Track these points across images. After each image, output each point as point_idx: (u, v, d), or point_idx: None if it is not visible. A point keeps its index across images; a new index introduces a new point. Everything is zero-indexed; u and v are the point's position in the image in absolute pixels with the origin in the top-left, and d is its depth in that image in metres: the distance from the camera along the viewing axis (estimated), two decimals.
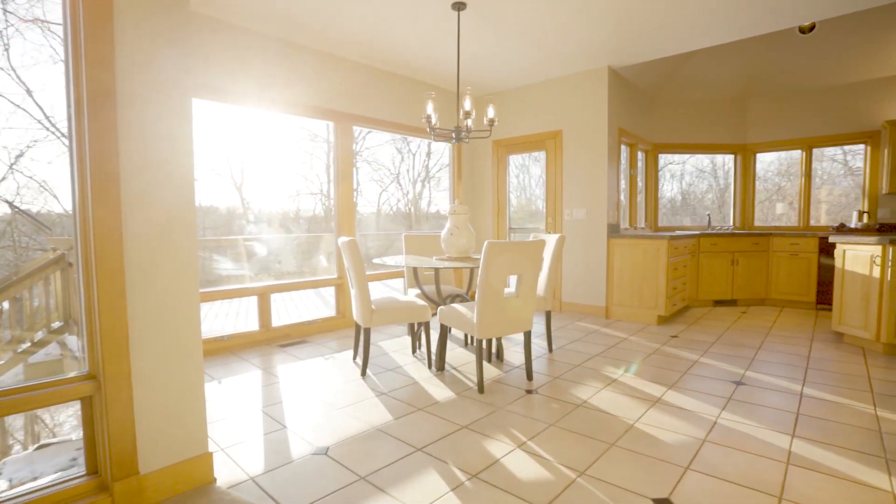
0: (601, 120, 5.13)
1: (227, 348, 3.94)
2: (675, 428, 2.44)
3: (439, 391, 2.97)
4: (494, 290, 2.86)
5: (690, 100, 6.51)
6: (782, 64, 5.86)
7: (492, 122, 3.53)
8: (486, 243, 2.76)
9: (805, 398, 2.83)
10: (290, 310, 5.91)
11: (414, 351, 3.82)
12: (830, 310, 5.56)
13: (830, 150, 6.19)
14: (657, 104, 6.48)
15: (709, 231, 6.11)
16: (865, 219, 5.76)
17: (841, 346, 3.99)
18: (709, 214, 6.53)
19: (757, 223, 6.66)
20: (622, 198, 5.83)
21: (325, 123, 4.80)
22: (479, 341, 2.92)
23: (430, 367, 3.42)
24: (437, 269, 3.50)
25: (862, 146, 5.92)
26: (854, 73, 5.68)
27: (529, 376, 3.16)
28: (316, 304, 6.37)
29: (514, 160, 6.31)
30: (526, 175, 6.36)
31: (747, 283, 5.88)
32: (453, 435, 2.37)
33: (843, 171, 6.20)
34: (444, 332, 3.32)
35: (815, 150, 6.22)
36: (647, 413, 2.62)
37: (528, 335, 3.14)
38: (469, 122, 3.58)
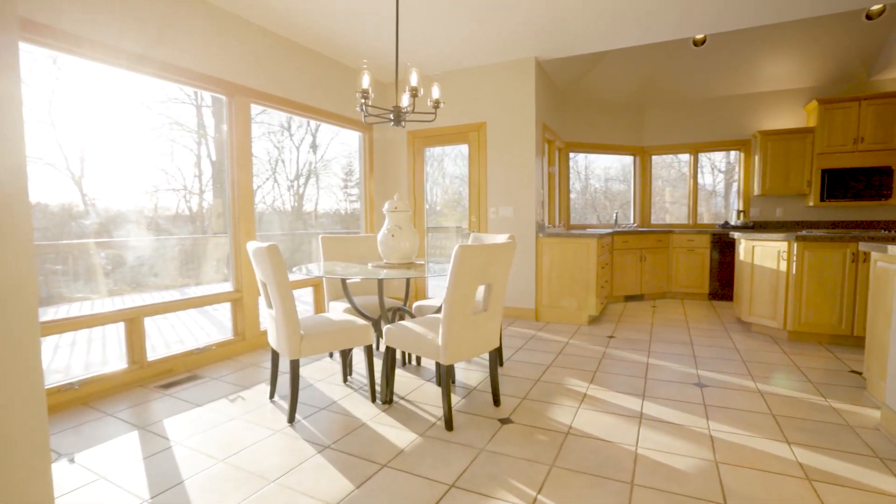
0: (529, 113, 4.90)
1: (80, 399, 2.83)
2: (679, 450, 2.18)
3: (398, 434, 2.37)
4: (465, 305, 2.35)
5: (597, 101, 6.67)
6: (676, 74, 6.25)
7: (437, 104, 3.01)
8: (457, 249, 2.24)
9: (766, 396, 2.82)
10: (168, 336, 4.68)
11: (346, 378, 3.14)
12: (722, 300, 6.06)
13: (713, 155, 6.80)
14: (569, 103, 6.52)
15: (618, 229, 6.29)
16: (742, 217, 6.40)
17: (753, 335, 4.24)
18: (616, 213, 6.76)
19: (649, 221, 7.09)
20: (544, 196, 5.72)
21: (215, 99, 3.83)
22: (444, 368, 2.39)
23: (373, 399, 2.78)
24: (380, 281, 2.87)
25: (737, 152, 6.58)
26: (733, 87, 6.27)
27: (497, 401, 2.71)
28: (204, 326, 5.17)
29: (433, 153, 5.84)
30: (445, 169, 5.93)
31: (653, 277, 6.17)
32: (444, 502, 1.81)
33: (686, 175, 6.86)
34: (392, 356, 2.72)
35: (695, 155, 6.79)
36: (642, 434, 2.34)
37: (493, 354, 2.69)
38: (404, 101, 3.02)
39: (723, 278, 6.02)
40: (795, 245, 3.98)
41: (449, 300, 2.30)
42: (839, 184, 5.61)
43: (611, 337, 4.27)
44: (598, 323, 4.84)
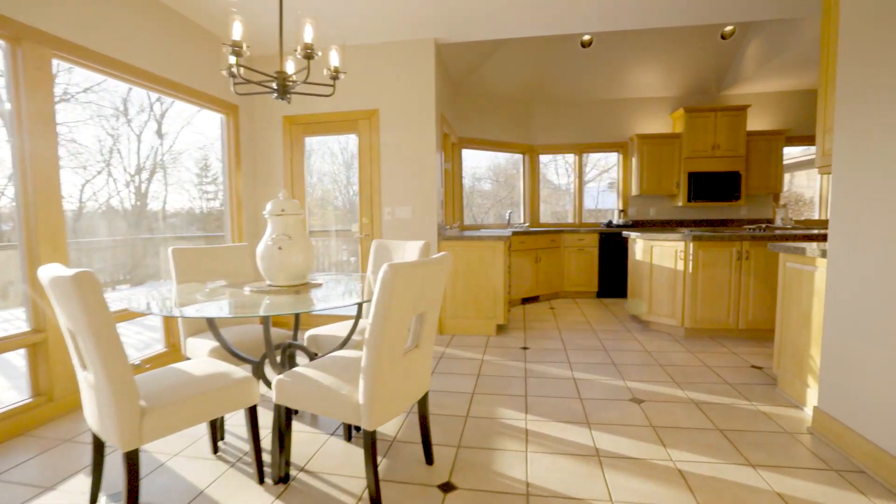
0: (428, 101, 4.37)
1: None
2: (657, 497, 1.84)
3: None
4: (396, 346, 1.73)
5: (489, 96, 6.42)
6: (564, 74, 6.28)
7: (335, 74, 2.31)
8: (385, 270, 1.60)
9: (701, 406, 2.69)
10: None
11: (216, 448, 2.27)
12: (610, 298, 6.25)
13: (595, 156, 7.04)
14: (462, 96, 6.15)
15: (513, 230, 6.12)
16: (623, 217, 6.71)
17: (654, 334, 4.29)
18: (510, 212, 6.60)
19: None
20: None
21: None
22: (369, 435, 1.74)
23: (260, 479, 1.99)
24: (267, 319, 2.06)
25: (616, 154, 6.88)
26: (614, 91, 6.52)
27: (429, 458, 2.13)
28: None
29: (315, 144, 4.99)
30: (332, 162, 5.12)
31: (547, 278, 6.13)
32: None
33: (570, 177, 7.13)
34: (287, 416, 1.97)
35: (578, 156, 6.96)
36: (609, 481, 1.96)
37: (425, 399, 2.11)
38: (290, 67, 2.27)
39: (610, 276, 6.21)
40: (692, 245, 4.08)
41: (375, 341, 1.65)
42: (702, 186, 6.13)
43: (525, 348, 3.97)
44: (507, 332, 4.53)
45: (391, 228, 4.54)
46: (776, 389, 2.96)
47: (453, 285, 4.45)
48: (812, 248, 2.57)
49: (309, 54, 2.02)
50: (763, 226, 6.16)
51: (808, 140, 6.39)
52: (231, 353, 2.27)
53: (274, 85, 2.21)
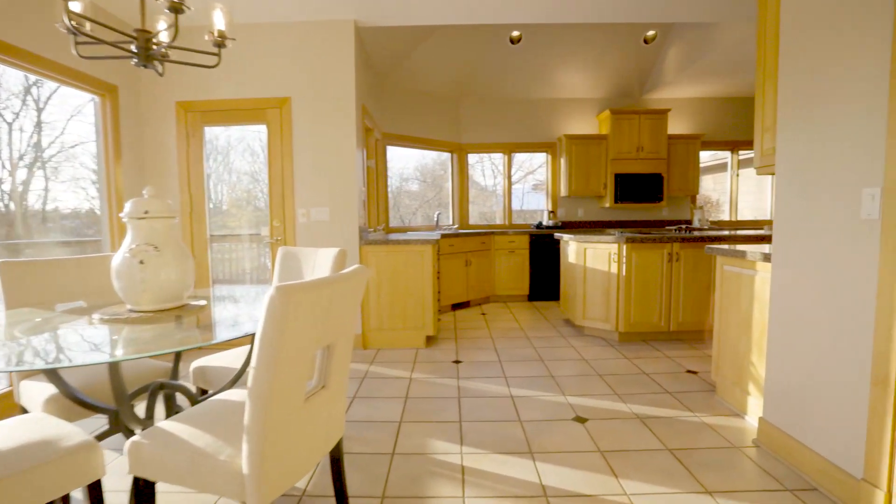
0: (347, 90, 3.91)
1: None
2: None
3: None
4: (292, 392, 1.30)
5: (416, 91, 6.05)
6: (493, 71, 6.07)
7: (221, 39, 1.82)
8: (272, 296, 1.17)
9: (646, 421, 2.50)
10: None
11: None
12: (541, 301, 6.13)
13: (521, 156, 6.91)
14: (386, 89, 5.72)
15: (446, 232, 5.80)
16: (552, 218, 6.64)
17: (589, 340, 4.15)
18: (438, 214, 6.27)
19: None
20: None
21: None
22: None
23: None
24: (114, 366, 1.52)
25: (545, 154, 6.81)
26: (542, 90, 6.42)
27: None
28: None
29: (234, 138, 4.33)
30: (252, 160, 4.47)
31: (478, 282, 5.88)
32: None
33: (495, 177, 7.03)
34: (148, 493, 1.46)
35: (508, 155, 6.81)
36: None
37: (339, 446, 1.68)
38: (160, 26, 1.76)
39: (541, 279, 6.09)
40: (625, 247, 3.99)
41: (261, 390, 1.22)
42: (628, 187, 6.19)
43: (457, 362, 3.64)
44: (438, 343, 4.19)
45: (307, 232, 4.02)
46: (715, 397, 2.87)
47: (378, 294, 4.03)
48: (754, 251, 2.47)
49: (176, 5, 1.52)
50: (683, 226, 6.34)
51: (720, 145, 6.70)
52: (75, 399, 1.70)
53: (133, 47, 1.68)
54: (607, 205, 6.29)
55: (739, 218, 6.88)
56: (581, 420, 2.57)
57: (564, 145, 6.29)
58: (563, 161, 6.40)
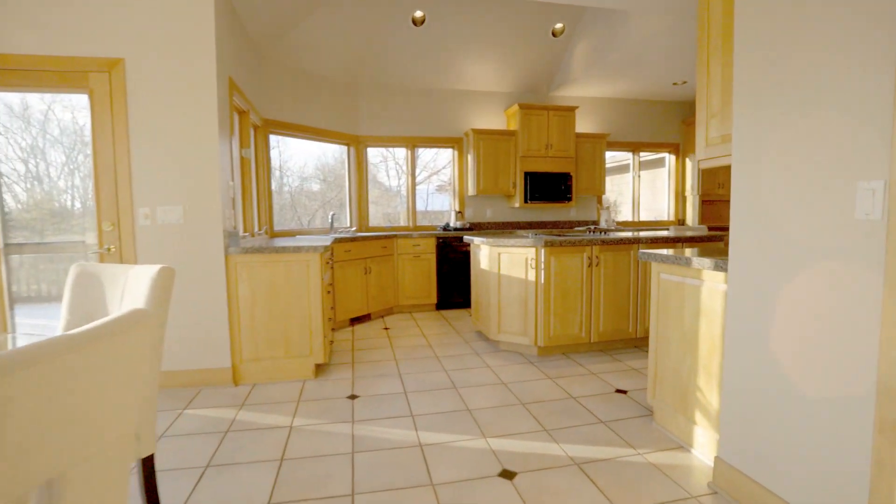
0: (205, 58, 3.01)
1: None
2: None
3: None
4: None
5: (306, 73, 5.19)
6: (394, 55, 5.42)
7: None
8: None
9: (585, 468, 2.03)
10: None
11: None
12: (449, 310, 5.60)
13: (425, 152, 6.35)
14: (268, 66, 4.80)
15: (337, 235, 5.02)
16: (460, 219, 6.16)
17: (505, 357, 3.68)
18: (333, 215, 5.46)
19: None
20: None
21: None
22: None
23: None
24: None
25: (451, 150, 6.31)
26: (448, 81, 5.90)
27: None
28: None
29: (36, 111, 3.15)
30: (70, 143, 3.30)
31: (380, 292, 5.19)
32: None
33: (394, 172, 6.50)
34: None
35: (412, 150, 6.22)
36: None
37: None
38: None
39: (449, 286, 5.58)
40: (543, 251, 3.57)
41: None
42: (538, 186, 5.91)
43: (353, 397, 2.94)
44: (330, 372, 3.44)
45: (152, 238, 3.05)
46: (654, 424, 2.50)
47: (251, 316, 3.18)
48: (702, 259, 2.10)
49: None
50: (592, 227, 6.22)
51: (622, 146, 6.72)
52: None
53: None
54: (517, 204, 5.96)
55: (641, 219, 6.98)
56: (509, 475, 2.02)
57: (472, 140, 5.84)
58: (470, 157, 5.95)
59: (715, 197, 6.75)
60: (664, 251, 2.39)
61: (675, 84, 5.97)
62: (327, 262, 3.74)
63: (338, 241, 4.60)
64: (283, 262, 3.18)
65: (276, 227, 5.23)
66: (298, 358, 3.25)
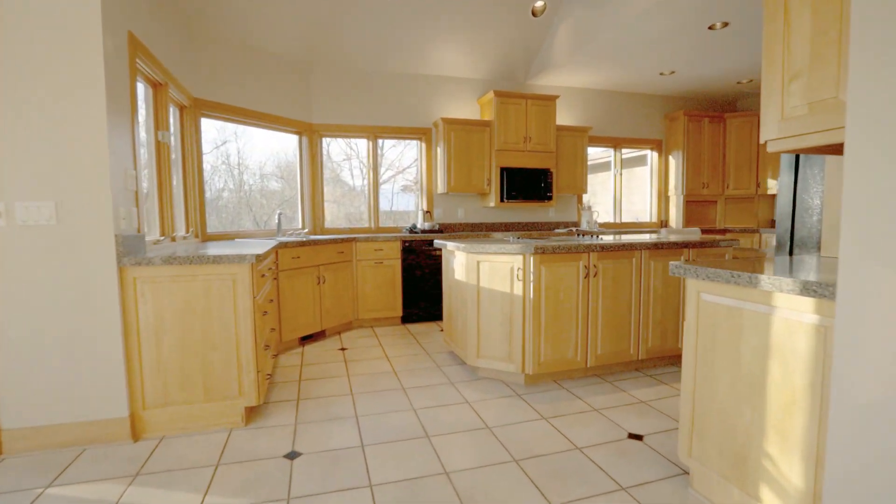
0: (89, 3, 2.22)
1: None
2: None
3: None
4: None
5: (250, 48, 4.38)
6: (353, 33, 4.68)
7: None
8: None
9: None
10: None
11: None
12: (416, 323, 4.92)
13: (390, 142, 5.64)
14: (200, 37, 3.96)
15: (285, 239, 4.25)
16: (428, 219, 5.49)
17: (488, 387, 3.04)
18: (280, 214, 4.67)
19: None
20: (144, 184, 3.03)
21: None
22: None
23: None
24: None
25: (417, 142, 5.63)
26: (414, 64, 5.21)
27: None
28: None
29: None
30: None
31: (336, 304, 4.45)
32: None
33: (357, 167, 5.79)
34: None
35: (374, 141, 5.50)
36: None
37: None
38: None
39: (417, 296, 4.89)
40: (532, 259, 2.94)
41: None
42: (515, 183, 5.31)
43: (293, 456, 2.22)
44: (266, 415, 2.69)
45: (8, 243, 2.22)
46: (690, 491, 1.91)
47: (157, 348, 2.40)
48: (776, 278, 1.51)
49: None
50: (573, 229, 5.68)
51: (603, 141, 6.22)
52: None
53: None
54: (492, 204, 5.33)
55: (624, 220, 6.51)
56: None
57: (442, 131, 5.18)
58: (440, 151, 5.29)
59: (699, 197, 6.36)
60: (705, 269, 1.80)
61: (661, 74, 5.50)
62: (268, 272, 2.98)
63: (284, 245, 3.83)
64: (201, 276, 2.41)
65: (215, 230, 4.41)
66: (223, 401, 2.49)
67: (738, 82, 5.86)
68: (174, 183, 3.58)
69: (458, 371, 3.38)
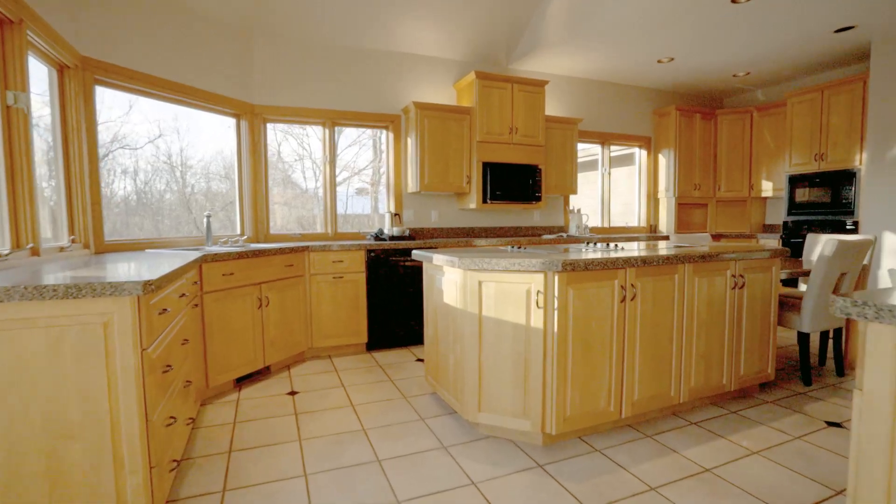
0: None
1: None
2: None
3: None
4: None
5: (175, 5, 3.36)
6: (300, 1, 3.76)
7: None
8: None
9: None
10: None
11: None
12: (386, 350, 4.04)
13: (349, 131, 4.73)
14: None
15: (219, 250, 3.26)
16: (397, 223, 4.62)
17: (495, 453, 2.22)
18: (208, 216, 3.65)
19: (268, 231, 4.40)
20: None
21: None
22: None
23: None
24: None
25: (384, 131, 4.75)
26: (380, 39, 4.33)
27: None
28: None
29: None
30: None
31: (284, 332, 3.50)
32: None
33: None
34: None
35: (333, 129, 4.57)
36: None
37: None
38: None
39: (384, 316, 4.01)
40: (557, 278, 2.15)
41: None
42: (500, 181, 4.54)
43: None
44: None
45: None
46: None
47: None
48: None
49: None
50: (563, 235, 4.98)
51: (590, 136, 5.58)
52: None
53: None
54: (472, 205, 4.54)
55: (613, 224, 5.90)
56: None
57: (414, 118, 4.33)
58: (411, 142, 4.45)
59: (690, 199, 5.85)
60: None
61: (659, 62, 4.91)
62: (182, 300, 2.02)
63: (212, 258, 2.86)
64: (43, 321, 1.44)
65: (120, 237, 3.35)
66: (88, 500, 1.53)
67: (734, 75, 5.38)
68: (43, 172, 2.53)
69: (449, 426, 2.53)
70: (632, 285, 2.33)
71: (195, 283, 2.63)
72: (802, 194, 5.05)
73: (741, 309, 2.74)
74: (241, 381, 3.22)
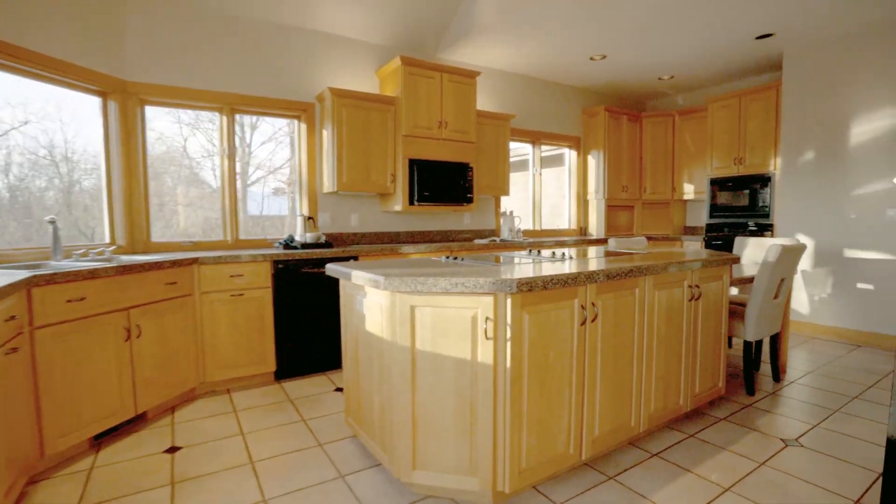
0: None
1: None
2: None
3: None
4: None
5: None
6: None
7: None
8: None
9: None
10: None
11: None
12: (296, 379, 3.42)
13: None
14: None
15: (67, 265, 2.47)
16: (311, 228, 4.00)
17: None
18: (52, 222, 2.80)
19: (157, 237, 3.60)
20: None
21: None
22: None
23: None
24: None
25: (296, 122, 4.11)
26: (291, 13, 3.69)
27: None
28: None
29: None
30: None
31: (165, 367, 2.78)
32: None
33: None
34: None
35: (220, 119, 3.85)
36: None
37: None
38: None
39: (296, 338, 3.40)
40: (510, 301, 1.73)
41: None
42: (429, 180, 4.09)
43: None
44: None
45: None
46: None
47: None
48: None
49: None
50: (497, 240, 4.64)
51: (522, 135, 5.32)
52: None
53: None
54: (398, 207, 4.04)
55: (545, 227, 5.68)
56: None
57: (331, 106, 3.75)
58: (327, 134, 3.86)
59: (618, 202, 5.81)
60: None
61: (592, 59, 4.74)
62: None
63: (48, 280, 2.10)
64: None
65: (36, 244, 2.44)
66: None
67: (660, 78, 5.39)
68: None
69: (377, 486, 2.03)
70: (592, 304, 1.98)
71: (11, 318, 1.89)
72: (723, 197, 5.14)
73: (697, 322, 2.52)
74: (102, 438, 2.47)
